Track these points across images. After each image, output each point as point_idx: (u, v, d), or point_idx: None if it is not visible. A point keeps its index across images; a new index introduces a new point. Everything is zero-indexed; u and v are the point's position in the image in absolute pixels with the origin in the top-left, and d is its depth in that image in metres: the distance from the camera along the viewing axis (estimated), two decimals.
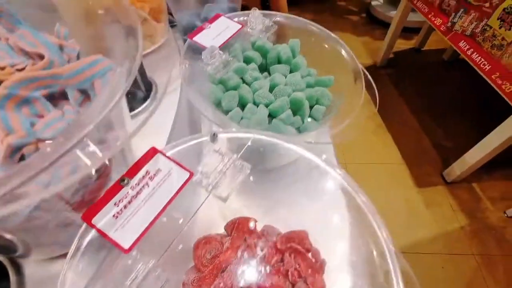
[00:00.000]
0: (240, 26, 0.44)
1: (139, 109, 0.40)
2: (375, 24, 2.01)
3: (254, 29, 0.43)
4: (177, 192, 0.25)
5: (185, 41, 0.76)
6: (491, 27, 0.91)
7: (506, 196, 1.12)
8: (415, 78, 1.58)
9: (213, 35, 0.42)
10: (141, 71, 0.43)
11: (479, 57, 0.94)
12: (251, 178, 0.29)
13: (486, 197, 1.13)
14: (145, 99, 0.46)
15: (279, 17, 0.48)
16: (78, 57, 0.27)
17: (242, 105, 0.41)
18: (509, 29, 0.85)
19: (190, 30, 0.73)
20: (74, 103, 0.21)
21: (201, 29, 0.42)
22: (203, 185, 0.25)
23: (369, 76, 0.42)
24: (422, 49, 1.75)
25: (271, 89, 0.43)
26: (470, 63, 0.97)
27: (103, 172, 0.24)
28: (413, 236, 1.03)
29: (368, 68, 1.70)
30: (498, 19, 0.88)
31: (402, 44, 1.80)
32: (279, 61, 0.46)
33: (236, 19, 0.46)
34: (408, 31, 1.76)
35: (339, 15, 2.15)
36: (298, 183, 0.35)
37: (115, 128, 0.23)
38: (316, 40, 0.48)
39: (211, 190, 0.25)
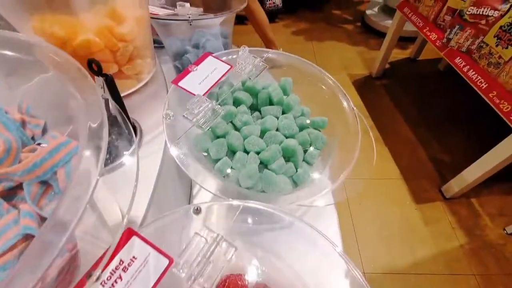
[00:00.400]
0: (229, 67, 0.41)
1: (120, 160, 0.38)
2: (370, 33, 2.00)
3: (243, 70, 0.41)
4: (155, 285, 0.22)
5: (175, 66, 0.74)
6: (487, 45, 0.89)
7: (505, 212, 1.11)
8: (410, 89, 1.57)
9: (200, 78, 0.39)
10: (124, 115, 0.40)
11: (476, 75, 0.92)
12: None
13: (485, 213, 1.11)
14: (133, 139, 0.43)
15: (271, 54, 0.45)
16: (44, 131, 0.24)
17: (232, 152, 0.39)
18: (506, 47, 0.84)
19: (180, 57, 0.71)
20: (32, 203, 0.19)
21: (187, 72, 0.39)
22: (184, 276, 0.22)
23: (365, 122, 0.40)
24: (417, 59, 1.75)
25: (262, 133, 0.40)
26: (467, 80, 0.96)
27: (67, 269, 0.21)
28: (413, 255, 1.01)
29: (363, 79, 1.69)
30: (494, 36, 0.87)
31: (398, 54, 1.79)
32: (270, 102, 0.44)
33: (225, 58, 0.44)
34: (403, 40, 1.76)
35: (334, 24, 2.14)
36: (293, 244, 0.33)
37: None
38: (308, 78, 0.46)
39: (193, 281, 0.22)
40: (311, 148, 0.41)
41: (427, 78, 1.65)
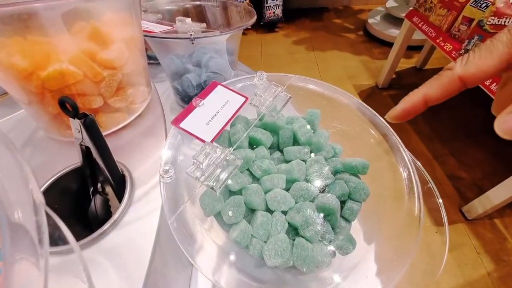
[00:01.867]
0: (243, 99, 0.33)
1: (105, 227, 0.28)
2: (373, 42, 1.94)
3: (262, 104, 0.32)
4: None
5: (174, 87, 0.65)
6: None
7: None
8: None
9: (207, 116, 0.31)
10: (108, 162, 0.31)
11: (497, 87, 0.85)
12: None
13: (511, 236, 1.03)
14: (118, 196, 0.34)
15: (296, 81, 0.37)
16: None
17: (251, 209, 0.30)
18: None
19: (179, 76, 0.62)
20: None
21: (190, 108, 0.31)
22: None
23: (423, 170, 0.31)
24: (424, 68, 1.69)
25: (287, 182, 0.32)
26: (488, 93, 0.88)
27: None
28: (437, 287, 0.91)
29: (369, 89, 1.62)
30: None
31: (403, 63, 1.73)
32: (294, 139, 0.35)
33: (237, 86, 0.35)
34: (408, 49, 1.70)
35: (335, 33, 2.08)
36: None
37: None
38: (341, 109, 0.38)
39: None
40: (350, 201, 0.32)
41: None
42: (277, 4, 1.93)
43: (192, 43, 0.45)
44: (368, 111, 0.35)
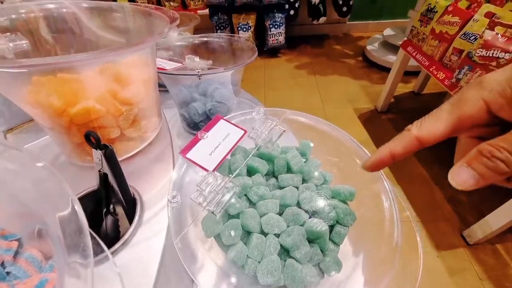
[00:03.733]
0: (242, 132, 0.37)
1: (116, 246, 0.32)
2: (372, 67, 2.03)
3: (259, 137, 0.36)
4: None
5: (181, 114, 0.71)
6: None
7: None
8: None
9: (211, 147, 0.35)
10: (122, 187, 0.35)
11: None
12: None
13: None
14: (128, 217, 0.38)
15: (290, 115, 0.42)
16: (18, 251, 0.19)
17: (247, 232, 0.34)
18: None
19: (186, 105, 0.67)
20: None
21: (196, 141, 0.35)
22: None
23: (401, 200, 0.35)
24: (422, 92, 1.75)
25: (281, 207, 0.35)
26: None
27: None
28: None
29: (369, 113, 1.67)
30: None
31: (401, 88, 1.79)
32: (288, 167, 0.39)
33: (238, 120, 0.40)
34: (406, 74, 1.76)
35: (335, 59, 2.18)
36: None
37: None
38: (330, 140, 0.42)
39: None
40: (338, 226, 0.35)
41: None
42: (280, 32, 2.05)
43: (199, 79, 0.51)
44: (354, 143, 0.39)
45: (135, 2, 1.99)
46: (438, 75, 1.10)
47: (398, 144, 0.19)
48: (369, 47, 2.04)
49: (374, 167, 0.21)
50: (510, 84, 0.15)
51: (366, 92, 1.81)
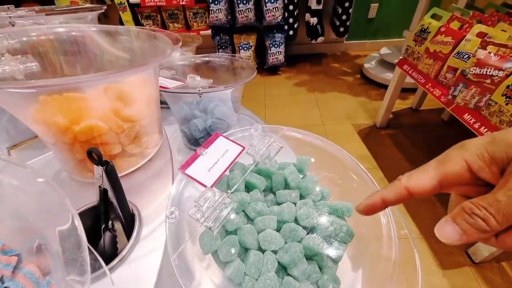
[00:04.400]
0: (240, 149, 0.38)
1: (114, 263, 0.32)
2: (369, 84, 2.07)
3: (257, 153, 0.37)
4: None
5: (182, 131, 0.72)
6: (496, 103, 0.89)
7: None
8: (417, 139, 1.55)
9: (209, 163, 0.36)
10: (122, 203, 0.36)
11: (489, 132, 0.90)
12: None
13: None
14: (127, 233, 0.38)
15: (287, 131, 0.43)
16: (16, 266, 0.19)
17: (245, 248, 0.33)
18: None
19: (187, 121, 0.69)
20: None
21: (195, 157, 0.36)
22: None
23: (399, 216, 0.35)
24: (419, 109, 1.77)
25: (278, 223, 0.35)
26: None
27: None
28: None
29: (368, 128, 1.69)
30: (503, 95, 0.86)
31: (399, 104, 1.82)
32: (286, 183, 0.40)
33: (236, 137, 0.41)
34: (403, 91, 1.80)
35: (334, 76, 2.23)
36: None
37: None
38: (327, 156, 0.42)
39: None
40: (336, 242, 0.35)
41: (431, 128, 1.65)
42: (280, 51, 2.11)
43: (200, 96, 0.52)
44: (351, 160, 0.40)
45: (142, 26, 2.08)
46: (434, 92, 1.13)
47: (390, 192, 0.21)
48: (366, 65, 2.10)
49: (367, 211, 0.22)
50: (487, 148, 0.17)
51: (364, 109, 1.84)
